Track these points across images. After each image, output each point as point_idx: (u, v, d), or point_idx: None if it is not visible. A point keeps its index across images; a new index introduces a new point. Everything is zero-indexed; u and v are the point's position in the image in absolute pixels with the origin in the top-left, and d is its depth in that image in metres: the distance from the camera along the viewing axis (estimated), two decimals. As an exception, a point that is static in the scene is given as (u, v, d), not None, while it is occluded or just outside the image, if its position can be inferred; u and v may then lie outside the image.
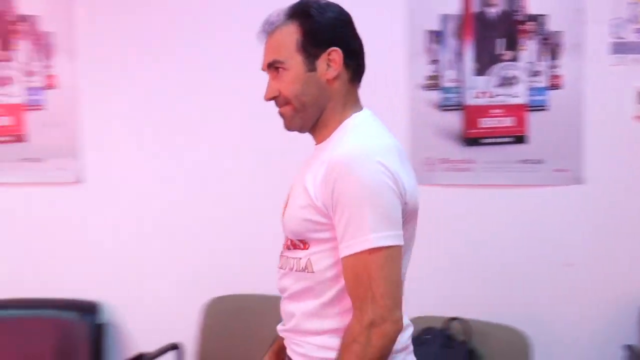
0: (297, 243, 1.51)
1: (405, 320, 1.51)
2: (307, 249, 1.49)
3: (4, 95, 2.88)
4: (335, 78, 1.50)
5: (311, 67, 1.49)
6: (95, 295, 2.88)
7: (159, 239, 2.88)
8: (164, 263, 2.88)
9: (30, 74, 2.85)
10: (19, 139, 2.91)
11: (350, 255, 1.39)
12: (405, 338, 1.52)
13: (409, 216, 1.46)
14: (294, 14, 1.51)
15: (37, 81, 2.83)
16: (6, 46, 2.86)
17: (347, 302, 1.41)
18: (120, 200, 2.90)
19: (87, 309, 2.85)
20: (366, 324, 1.37)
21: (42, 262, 2.97)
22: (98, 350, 2.83)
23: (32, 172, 2.92)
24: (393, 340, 1.40)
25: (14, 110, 2.89)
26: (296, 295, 1.51)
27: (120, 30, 2.85)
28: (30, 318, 2.85)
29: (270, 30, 1.51)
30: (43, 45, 2.83)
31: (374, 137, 1.49)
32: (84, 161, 2.91)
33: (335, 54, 1.49)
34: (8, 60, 2.86)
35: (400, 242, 1.40)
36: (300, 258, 1.49)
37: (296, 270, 1.50)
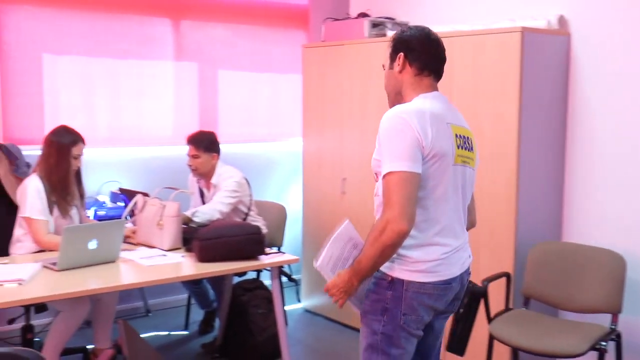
0: (374, 176, 2.28)
1: (437, 240, 2.23)
2: (378, 180, 2.25)
3: None
4: (401, 72, 2.34)
5: (391, 65, 2.37)
6: None
7: None
8: None
9: None
10: None
11: (382, 178, 2.14)
12: (438, 253, 2.23)
13: (433, 156, 2.17)
14: (394, 34, 2.40)
15: None
16: None
17: None
18: None
19: None
20: (385, 220, 2.10)
21: None
22: None
23: None
24: (400, 237, 2.10)
25: None
26: (376, 211, 2.28)
27: None
28: None
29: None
30: None
31: (411, 105, 2.25)
32: None
33: (402, 57, 2.34)
34: None
35: (413, 169, 2.11)
36: (377, 187, 2.28)
37: (375, 195, 2.30)
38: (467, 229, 2.49)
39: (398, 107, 2.23)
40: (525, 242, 3.71)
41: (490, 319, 3.51)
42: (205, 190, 4.29)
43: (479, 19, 4.19)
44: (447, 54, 3.96)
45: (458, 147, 2.27)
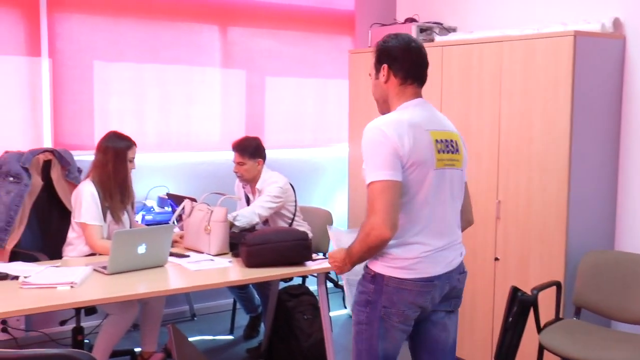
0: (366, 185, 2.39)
1: (418, 239, 2.38)
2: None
3: None
4: (386, 82, 2.49)
5: (377, 76, 2.52)
6: None
7: None
8: None
9: None
10: None
11: (367, 186, 2.31)
12: (418, 252, 2.38)
13: (410, 165, 2.32)
14: (377, 44, 2.53)
15: None
16: None
17: None
18: None
19: None
20: (370, 226, 2.28)
21: None
22: None
23: None
24: (382, 242, 2.30)
25: None
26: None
27: None
28: None
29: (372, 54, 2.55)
30: None
31: (390, 116, 2.41)
32: None
33: (386, 68, 2.48)
34: None
35: (393, 178, 2.27)
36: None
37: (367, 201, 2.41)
38: (464, 228, 2.60)
39: (377, 120, 2.40)
40: (576, 250, 3.63)
41: (540, 329, 3.44)
42: (250, 196, 4.31)
43: (530, 23, 4.13)
44: (496, 59, 3.95)
45: (439, 152, 2.41)
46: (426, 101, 2.52)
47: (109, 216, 3.68)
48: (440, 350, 2.57)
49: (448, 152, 2.45)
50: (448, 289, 2.49)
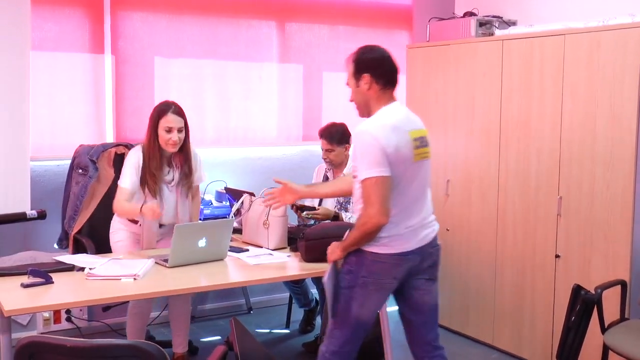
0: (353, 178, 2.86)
1: (395, 221, 2.75)
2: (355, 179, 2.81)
3: None
4: (368, 89, 2.84)
5: (357, 84, 2.87)
6: None
7: None
8: None
9: None
10: None
11: (361, 182, 2.71)
12: (393, 232, 2.76)
13: (395, 161, 2.71)
14: (353, 55, 2.90)
15: None
16: None
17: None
18: None
19: None
20: (367, 215, 2.69)
21: None
22: None
23: None
24: (378, 228, 2.70)
25: None
26: (356, 204, 2.85)
27: None
28: None
29: (346, 64, 2.93)
30: None
31: (375, 120, 2.80)
32: None
33: (367, 77, 2.84)
34: None
35: (383, 174, 2.68)
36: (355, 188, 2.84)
37: (355, 190, 2.85)
38: None
39: (365, 124, 2.79)
40: (642, 249, 3.53)
41: (604, 329, 3.36)
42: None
43: (594, 15, 4.02)
44: (558, 52, 3.88)
45: (416, 148, 2.82)
46: (400, 103, 2.92)
47: (146, 189, 3.55)
48: (426, 310, 2.99)
49: (422, 147, 2.86)
50: (419, 261, 2.87)
